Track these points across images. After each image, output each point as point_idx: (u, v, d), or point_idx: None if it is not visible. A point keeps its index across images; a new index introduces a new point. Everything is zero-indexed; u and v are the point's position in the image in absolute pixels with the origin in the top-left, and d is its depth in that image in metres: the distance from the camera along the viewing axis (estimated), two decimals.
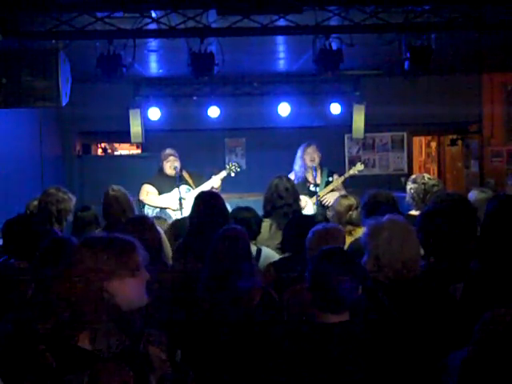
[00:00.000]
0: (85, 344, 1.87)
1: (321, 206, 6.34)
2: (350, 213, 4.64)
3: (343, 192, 6.19)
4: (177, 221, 5.26)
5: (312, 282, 2.50)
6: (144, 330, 1.99)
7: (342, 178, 6.54)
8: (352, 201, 4.72)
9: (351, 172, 6.77)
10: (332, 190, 6.48)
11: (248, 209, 4.44)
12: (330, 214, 4.97)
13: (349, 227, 4.59)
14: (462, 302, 2.94)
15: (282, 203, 4.94)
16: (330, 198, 6.24)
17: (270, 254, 4.14)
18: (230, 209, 4.77)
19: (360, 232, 4.42)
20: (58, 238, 3.12)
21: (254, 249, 4.06)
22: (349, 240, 4.38)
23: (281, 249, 4.15)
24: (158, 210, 6.70)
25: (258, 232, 4.37)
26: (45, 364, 1.83)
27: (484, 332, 1.95)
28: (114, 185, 4.79)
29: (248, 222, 4.21)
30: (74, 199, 4.85)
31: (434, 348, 2.59)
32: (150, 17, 5.19)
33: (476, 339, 1.97)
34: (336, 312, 2.44)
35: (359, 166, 6.83)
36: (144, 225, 3.58)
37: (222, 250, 3.22)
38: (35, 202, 4.94)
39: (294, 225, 4.07)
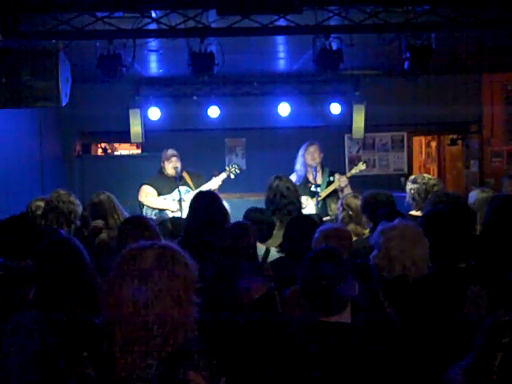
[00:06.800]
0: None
1: (322, 206, 6.32)
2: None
3: (350, 191, 6.12)
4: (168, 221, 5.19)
5: (301, 284, 2.48)
6: (185, 350, 1.77)
7: (345, 178, 6.48)
8: None
9: (353, 171, 6.72)
10: (335, 190, 6.45)
11: (261, 211, 4.37)
12: (343, 213, 4.76)
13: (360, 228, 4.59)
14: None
15: (286, 202, 4.91)
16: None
17: (277, 255, 4.10)
18: (228, 208, 4.77)
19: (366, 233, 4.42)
20: (59, 238, 3.11)
21: (263, 249, 4.05)
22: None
23: (280, 248, 4.13)
24: (156, 211, 6.68)
25: (270, 235, 4.29)
26: (83, 373, 1.76)
27: (489, 337, 1.89)
28: (104, 191, 4.99)
29: (260, 225, 4.11)
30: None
31: (434, 350, 2.58)
32: (150, 17, 5.20)
33: (481, 344, 1.91)
34: (326, 314, 2.39)
35: (361, 166, 6.75)
36: (142, 224, 3.59)
37: (227, 246, 3.24)
38: (37, 203, 4.87)
39: (294, 226, 4.04)
